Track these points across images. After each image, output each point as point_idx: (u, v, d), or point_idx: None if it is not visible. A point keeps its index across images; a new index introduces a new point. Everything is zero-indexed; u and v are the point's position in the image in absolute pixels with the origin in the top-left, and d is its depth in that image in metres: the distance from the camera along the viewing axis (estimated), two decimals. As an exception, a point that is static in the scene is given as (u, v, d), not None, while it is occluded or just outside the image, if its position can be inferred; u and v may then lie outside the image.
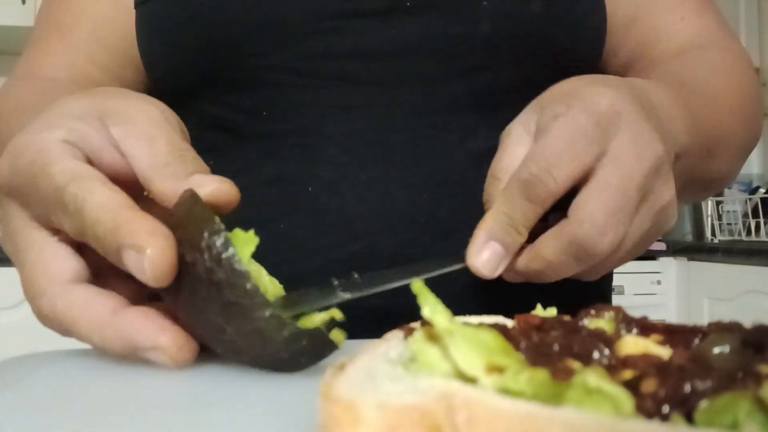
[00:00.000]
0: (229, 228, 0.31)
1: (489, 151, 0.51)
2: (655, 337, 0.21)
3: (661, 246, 2.08)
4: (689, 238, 2.48)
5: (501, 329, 0.22)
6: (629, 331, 0.22)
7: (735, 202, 2.35)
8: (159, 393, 0.28)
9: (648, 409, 0.16)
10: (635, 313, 0.24)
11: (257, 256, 0.35)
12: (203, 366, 0.32)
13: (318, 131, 0.50)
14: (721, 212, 2.30)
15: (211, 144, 0.52)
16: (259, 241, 0.50)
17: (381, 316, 0.39)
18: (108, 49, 0.56)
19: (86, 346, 0.33)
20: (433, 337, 0.20)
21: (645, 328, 0.22)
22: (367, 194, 0.49)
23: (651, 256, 2.08)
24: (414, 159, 0.49)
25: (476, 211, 0.50)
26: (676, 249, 2.10)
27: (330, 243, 0.48)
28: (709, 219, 2.26)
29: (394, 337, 0.23)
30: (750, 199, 2.21)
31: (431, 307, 0.21)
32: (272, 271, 0.47)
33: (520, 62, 0.51)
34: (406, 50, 0.49)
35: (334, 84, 0.49)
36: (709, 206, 2.25)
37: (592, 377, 0.16)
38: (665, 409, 0.16)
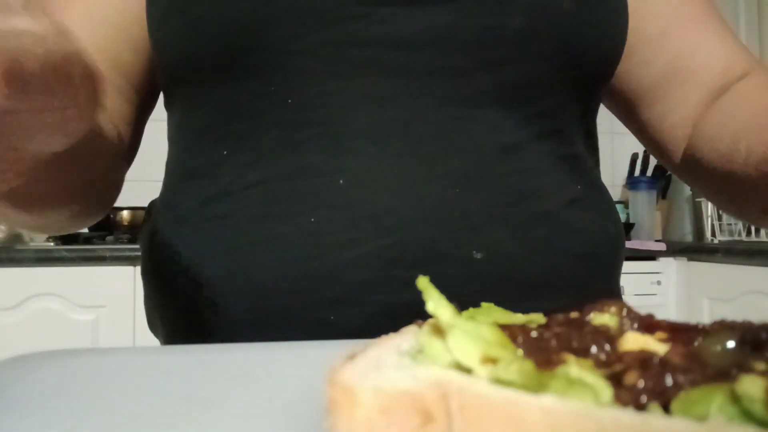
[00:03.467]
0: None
1: (516, 145, 0.51)
2: (659, 334, 0.22)
3: (661, 246, 2.07)
4: (689, 238, 2.47)
5: (501, 324, 0.23)
6: (632, 327, 0.22)
7: (736, 203, 2.33)
8: (159, 393, 0.29)
9: (626, 399, 0.17)
10: (636, 314, 0.24)
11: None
12: (203, 366, 0.33)
13: (344, 121, 0.48)
14: (721, 212, 2.29)
15: (226, 133, 0.51)
16: (288, 235, 0.49)
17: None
18: (106, 25, 0.54)
19: (87, 345, 0.32)
20: (439, 330, 0.21)
21: (649, 325, 0.22)
22: (399, 187, 0.48)
23: (651, 256, 2.06)
24: (443, 151, 0.49)
25: (506, 205, 0.49)
26: (676, 249, 2.09)
27: (360, 237, 0.47)
28: (709, 219, 2.24)
29: (409, 331, 0.24)
30: (751, 200, 2.19)
31: (435, 302, 0.22)
32: (302, 267, 0.46)
33: (548, 58, 0.51)
34: (436, 40, 0.49)
35: (361, 72, 0.48)
36: (709, 206, 2.24)
37: (574, 368, 0.17)
38: (643, 399, 0.17)
